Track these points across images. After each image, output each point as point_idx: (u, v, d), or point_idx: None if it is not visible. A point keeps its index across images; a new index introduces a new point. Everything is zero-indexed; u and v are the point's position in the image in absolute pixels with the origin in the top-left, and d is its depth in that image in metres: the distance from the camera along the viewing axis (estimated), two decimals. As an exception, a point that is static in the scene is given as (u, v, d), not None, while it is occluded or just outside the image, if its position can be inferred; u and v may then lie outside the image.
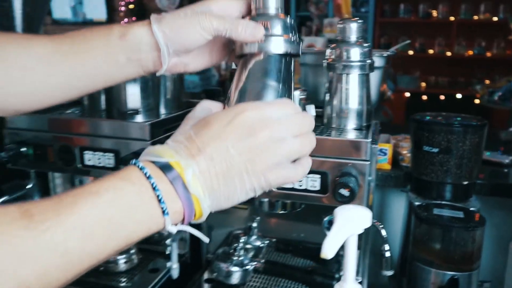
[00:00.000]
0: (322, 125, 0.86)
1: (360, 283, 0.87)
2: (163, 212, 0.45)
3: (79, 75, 0.63)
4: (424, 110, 1.09)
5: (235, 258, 0.94)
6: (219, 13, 0.61)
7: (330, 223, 0.86)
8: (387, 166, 1.19)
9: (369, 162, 0.75)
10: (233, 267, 0.93)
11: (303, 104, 0.82)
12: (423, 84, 5.22)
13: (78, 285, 0.90)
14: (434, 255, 0.89)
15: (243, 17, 0.63)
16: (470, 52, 4.99)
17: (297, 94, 0.82)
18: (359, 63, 0.83)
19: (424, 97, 5.07)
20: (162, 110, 0.99)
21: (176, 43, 0.61)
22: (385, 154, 1.18)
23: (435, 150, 0.98)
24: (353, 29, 0.84)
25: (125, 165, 0.86)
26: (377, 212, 1.29)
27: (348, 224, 0.52)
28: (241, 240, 0.97)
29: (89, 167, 0.91)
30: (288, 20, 0.60)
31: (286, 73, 0.58)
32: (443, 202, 0.98)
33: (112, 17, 6.24)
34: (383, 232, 0.75)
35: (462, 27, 4.96)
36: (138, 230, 0.46)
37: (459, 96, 4.91)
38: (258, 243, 1.03)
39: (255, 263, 0.95)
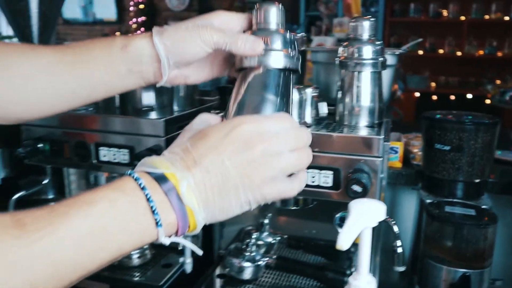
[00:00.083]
0: (334, 122, 0.87)
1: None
2: (157, 223, 0.45)
3: (81, 84, 0.64)
4: (434, 110, 1.09)
5: (247, 253, 0.95)
6: (220, 27, 0.62)
7: (342, 219, 0.87)
8: (398, 164, 1.19)
9: (381, 159, 0.76)
10: (245, 263, 0.93)
11: (315, 102, 0.83)
12: (433, 84, 5.19)
13: (93, 279, 0.92)
14: (446, 252, 0.89)
15: (244, 32, 0.64)
16: (481, 52, 4.96)
17: (309, 91, 0.82)
18: (371, 61, 0.83)
19: (434, 97, 5.04)
20: (176, 108, 1.01)
21: (177, 55, 0.62)
22: (396, 152, 1.19)
23: (447, 148, 0.98)
24: (366, 27, 0.85)
25: (139, 161, 0.88)
26: (388, 210, 1.29)
27: (363, 217, 0.53)
28: (253, 236, 0.98)
29: (104, 163, 0.93)
30: (288, 35, 0.61)
31: (284, 88, 0.59)
32: (455, 200, 0.98)
33: (122, 17, 6.29)
34: (395, 228, 0.76)
35: (473, 27, 4.93)
36: (130, 241, 0.45)
37: (469, 96, 4.88)
38: (269, 239, 1.04)
39: (267, 259, 0.95)
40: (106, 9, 6.34)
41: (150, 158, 0.49)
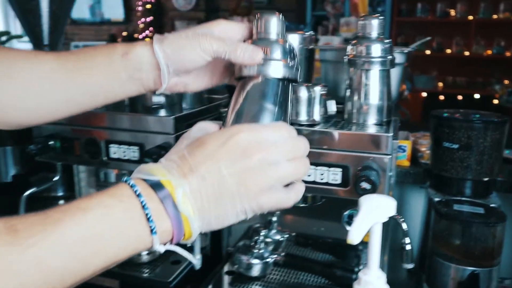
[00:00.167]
0: (342, 120, 0.87)
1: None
2: (151, 231, 0.45)
3: (82, 91, 0.65)
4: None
5: (256, 251, 0.96)
6: (220, 35, 0.62)
7: (350, 217, 0.87)
8: (406, 163, 1.19)
9: (390, 156, 0.76)
10: (253, 260, 0.94)
11: (324, 100, 0.84)
12: (440, 84, 5.17)
13: (103, 275, 0.93)
14: (454, 250, 0.89)
15: (244, 41, 0.64)
16: (489, 52, 4.93)
17: (318, 89, 0.83)
18: (380, 59, 0.83)
19: (441, 97, 5.02)
20: (185, 105, 1.01)
21: (177, 63, 0.62)
22: (404, 150, 1.19)
23: (456, 146, 0.98)
24: (374, 25, 0.85)
25: (149, 158, 0.88)
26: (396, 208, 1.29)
27: (373, 212, 0.54)
28: (261, 234, 0.99)
29: (114, 160, 0.94)
30: (287, 45, 0.62)
31: (283, 97, 0.59)
32: (463, 198, 0.98)
33: (129, 17, 6.33)
34: (404, 226, 0.76)
35: (480, 27, 4.90)
36: (124, 248, 0.45)
37: (477, 96, 4.85)
38: (277, 237, 1.04)
39: (275, 256, 0.96)
40: (113, 9, 6.38)
41: (147, 165, 0.49)
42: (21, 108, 0.64)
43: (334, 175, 0.78)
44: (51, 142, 0.96)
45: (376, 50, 0.84)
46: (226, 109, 0.60)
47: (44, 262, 0.40)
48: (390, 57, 0.84)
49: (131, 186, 0.46)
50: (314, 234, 1.09)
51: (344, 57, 0.87)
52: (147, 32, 6.07)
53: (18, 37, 2.87)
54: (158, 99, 0.96)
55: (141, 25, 6.12)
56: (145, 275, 1.00)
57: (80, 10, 6.20)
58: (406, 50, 1.04)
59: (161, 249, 0.46)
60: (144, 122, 0.91)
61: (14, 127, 0.68)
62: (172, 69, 0.62)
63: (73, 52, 0.66)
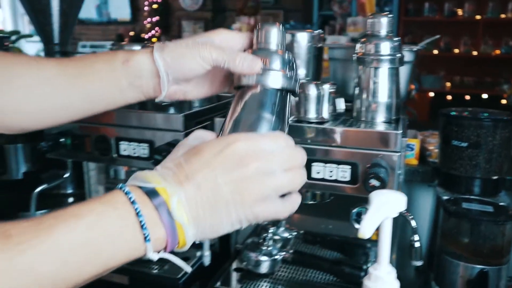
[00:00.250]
0: (351, 118, 0.87)
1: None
2: (145, 238, 0.45)
3: (82, 97, 0.65)
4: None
5: (264, 248, 0.96)
6: (221, 44, 0.63)
7: (359, 215, 0.87)
8: (414, 161, 1.19)
9: (399, 154, 0.76)
10: (262, 257, 0.94)
11: (333, 98, 0.84)
12: (448, 84, 5.15)
13: (112, 271, 0.94)
14: (463, 248, 0.89)
15: (244, 50, 0.64)
16: (497, 52, 4.90)
17: (326, 87, 0.83)
18: (389, 57, 0.84)
19: (449, 97, 5.00)
20: (194, 103, 1.02)
21: (176, 71, 0.63)
22: (412, 149, 1.19)
23: (464, 144, 0.98)
24: (383, 23, 0.85)
25: (159, 155, 0.89)
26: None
27: (384, 207, 0.54)
28: (269, 231, 0.99)
29: (124, 157, 0.95)
30: (287, 56, 0.62)
31: (281, 107, 0.59)
32: (472, 197, 0.98)
33: (136, 16, 6.36)
34: (413, 223, 0.76)
35: (488, 26, 4.88)
36: (117, 256, 0.45)
37: (485, 96, 4.82)
38: (286, 234, 1.05)
39: (284, 253, 0.96)
40: (120, 9, 6.41)
41: (143, 172, 0.49)
42: (22, 112, 0.65)
43: (343, 172, 0.78)
44: (62, 139, 0.97)
45: (385, 48, 0.84)
46: (223, 118, 0.61)
47: (36, 268, 0.40)
48: (399, 55, 0.85)
49: (126, 193, 0.46)
50: (322, 232, 1.10)
51: (353, 55, 0.88)
52: (153, 32, 6.09)
53: (27, 36, 2.89)
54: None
55: (148, 25, 6.15)
56: (155, 271, 1.01)
57: (87, 10, 6.24)
58: (415, 48, 1.04)
59: (154, 257, 0.46)
60: (153, 120, 0.92)
61: (16, 131, 0.68)
62: (171, 77, 0.63)
63: (75, 58, 0.67)
